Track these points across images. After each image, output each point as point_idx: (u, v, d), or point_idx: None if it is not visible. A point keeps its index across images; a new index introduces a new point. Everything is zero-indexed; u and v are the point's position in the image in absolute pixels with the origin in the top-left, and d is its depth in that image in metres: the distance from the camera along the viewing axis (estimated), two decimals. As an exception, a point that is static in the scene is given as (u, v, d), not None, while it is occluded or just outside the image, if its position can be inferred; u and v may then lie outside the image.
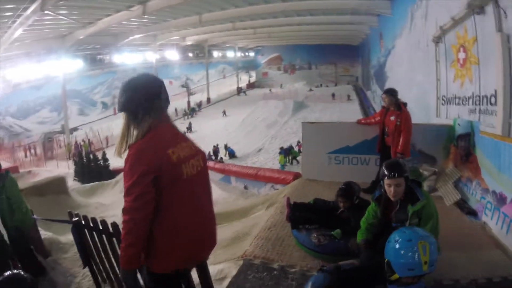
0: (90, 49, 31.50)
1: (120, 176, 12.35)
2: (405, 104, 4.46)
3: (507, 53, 4.23)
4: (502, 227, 3.26)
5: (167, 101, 1.59)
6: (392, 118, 4.40)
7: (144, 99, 1.49)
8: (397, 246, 1.52)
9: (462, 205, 4.18)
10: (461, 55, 6.15)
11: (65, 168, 18.64)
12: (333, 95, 34.66)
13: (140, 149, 1.42)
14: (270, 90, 41.22)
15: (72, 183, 13.10)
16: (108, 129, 27.79)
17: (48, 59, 24.09)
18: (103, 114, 38.76)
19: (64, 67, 23.87)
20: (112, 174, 14.25)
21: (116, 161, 19.90)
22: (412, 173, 4.90)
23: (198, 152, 1.68)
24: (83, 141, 25.44)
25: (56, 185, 7.21)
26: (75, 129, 29.77)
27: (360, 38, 29.68)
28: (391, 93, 4.53)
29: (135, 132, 1.52)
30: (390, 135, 4.44)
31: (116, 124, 32.59)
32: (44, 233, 4.08)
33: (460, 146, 4.74)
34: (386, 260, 1.56)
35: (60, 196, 7.02)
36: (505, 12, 4.30)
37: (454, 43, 6.55)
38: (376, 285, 1.72)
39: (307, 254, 3.05)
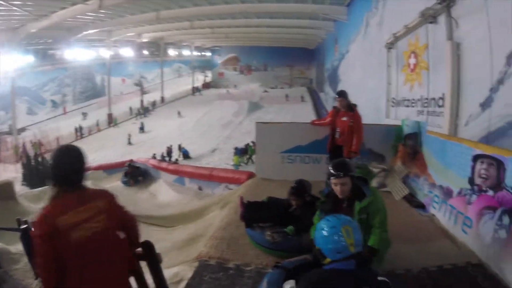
0: (42, 44, 29.44)
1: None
2: (355, 105, 4.54)
3: (456, 60, 4.54)
4: (450, 218, 3.44)
5: (82, 174, 1.71)
6: (344, 118, 4.43)
7: (58, 172, 1.64)
8: (324, 233, 1.63)
9: (411, 199, 4.36)
10: (412, 60, 6.54)
11: (12, 172, 17.24)
12: (286, 96, 35.47)
13: (40, 217, 1.57)
14: (227, 91, 40.63)
15: (20, 188, 11.95)
16: (58, 129, 25.98)
17: (-2, 53, 21.86)
18: (52, 113, 36.22)
19: (14, 62, 21.73)
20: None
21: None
22: (362, 171, 5.09)
23: (99, 212, 1.69)
24: (32, 142, 23.06)
25: (3, 191, 6.71)
26: (23, 129, 27.51)
27: (316, 42, 30.69)
28: (345, 95, 4.55)
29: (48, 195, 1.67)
30: (342, 136, 4.47)
31: (65, 124, 30.27)
32: (-8, 243, 3.69)
33: (408, 144, 4.97)
34: (317, 248, 1.66)
35: (7, 202, 6.51)
36: (456, 22, 4.61)
37: (405, 49, 6.95)
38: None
39: (262, 252, 3.03)
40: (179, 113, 31.29)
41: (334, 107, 4.71)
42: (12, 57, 21.14)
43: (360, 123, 4.41)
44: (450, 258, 2.83)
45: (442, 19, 5.04)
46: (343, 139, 4.45)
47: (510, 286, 2.41)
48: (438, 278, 2.59)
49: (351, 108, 4.45)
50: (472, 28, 4.18)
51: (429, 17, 5.46)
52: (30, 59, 27.77)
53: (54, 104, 37.35)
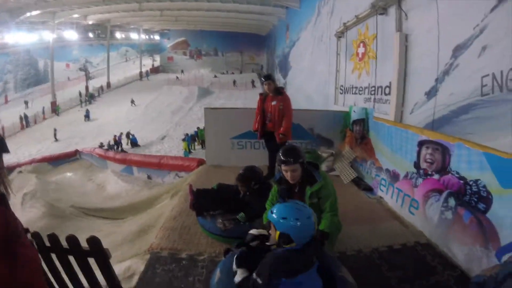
0: (-20, 27, 25.80)
1: (15, 174, 10.59)
2: (283, 88, 4.47)
3: (404, 50, 4.75)
4: (397, 200, 3.62)
5: None
6: (274, 103, 4.32)
7: None
8: (299, 224, 1.72)
9: (359, 182, 4.53)
10: (361, 49, 6.75)
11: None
12: (234, 82, 35.33)
13: None
14: (176, 77, 38.66)
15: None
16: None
17: None
18: None
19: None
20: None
21: (11, 157, 16.34)
22: (311, 155, 5.16)
23: None
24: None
25: None
26: (-38, 123, 24.40)
27: (267, 29, 30.71)
28: (272, 78, 4.46)
29: None
30: (272, 120, 4.35)
31: (7, 113, 27.64)
32: None
33: (355, 130, 5.14)
34: (283, 233, 1.73)
35: None
36: (406, 14, 4.80)
37: (355, 38, 7.16)
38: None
39: (214, 240, 2.97)
40: (132, 101, 28.92)
41: (261, 94, 4.60)
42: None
43: (289, 106, 4.33)
44: (399, 238, 2.96)
45: (392, 10, 5.21)
46: (273, 124, 4.34)
47: (458, 264, 2.57)
48: (388, 257, 2.68)
49: (279, 91, 4.37)
50: (421, 20, 4.37)
51: (379, 8, 5.63)
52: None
53: (-5, 92, 33.96)
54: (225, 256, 2.22)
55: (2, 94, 34.18)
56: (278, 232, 1.77)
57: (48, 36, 29.37)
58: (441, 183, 2.89)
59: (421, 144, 3.31)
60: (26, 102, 31.55)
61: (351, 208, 3.55)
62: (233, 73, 41.88)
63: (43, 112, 28.50)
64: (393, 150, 3.94)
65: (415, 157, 3.37)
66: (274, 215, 1.81)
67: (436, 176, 2.99)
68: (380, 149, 4.30)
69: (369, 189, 4.29)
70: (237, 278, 1.89)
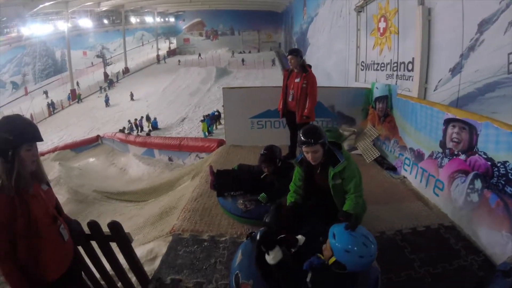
0: (-5, 21, 27.06)
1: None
2: (310, 66, 4.13)
3: (427, 25, 4.51)
4: (421, 181, 3.55)
5: None
6: (298, 80, 4.02)
7: None
8: (361, 261, 1.63)
9: (381, 161, 4.46)
10: (382, 24, 6.47)
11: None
12: (242, 60, 35.08)
13: None
14: (179, 60, 38.24)
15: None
16: (21, 111, 24.02)
17: None
18: (14, 95, 33.67)
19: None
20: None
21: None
22: (332, 134, 5.05)
23: None
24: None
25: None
26: (-16, 117, 25.31)
27: (284, 5, 29.87)
28: (297, 53, 4.08)
29: None
30: (294, 99, 4.08)
31: (28, 105, 28.45)
32: None
33: (378, 107, 4.99)
34: (340, 263, 1.65)
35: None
36: (428, -13, 4.53)
37: (375, 13, 6.85)
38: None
39: (236, 221, 3.00)
40: (131, 95, 28.21)
41: (286, 70, 4.32)
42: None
43: (314, 85, 4.01)
44: (422, 220, 2.93)
45: (413, -17, 4.93)
46: (295, 102, 4.06)
47: (482, 248, 2.52)
48: (412, 239, 2.67)
49: (305, 69, 4.01)
50: (444, -7, 4.12)
51: (400, -21, 5.34)
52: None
53: (15, 85, 34.80)
54: (247, 239, 2.22)
55: (22, 86, 34.99)
56: (334, 258, 1.68)
57: (62, 26, 29.76)
58: (467, 164, 2.80)
59: (447, 122, 3.19)
60: (45, 92, 32.27)
61: (374, 188, 3.52)
62: (250, 52, 41.36)
63: (69, 98, 29.73)
64: (417, 129, 3.82)
65: (441, 136, 3.26)
66: (336, 242, 1.68)
67: (462, 157, 2.89)
68: (404, 127, 4.19)
69: (393, 169, 4.22)
70: (272, 261, 1.85)
